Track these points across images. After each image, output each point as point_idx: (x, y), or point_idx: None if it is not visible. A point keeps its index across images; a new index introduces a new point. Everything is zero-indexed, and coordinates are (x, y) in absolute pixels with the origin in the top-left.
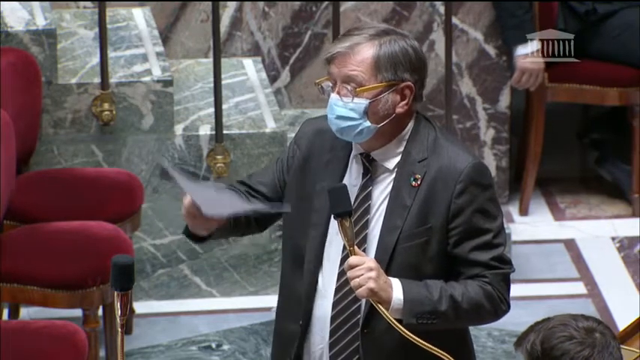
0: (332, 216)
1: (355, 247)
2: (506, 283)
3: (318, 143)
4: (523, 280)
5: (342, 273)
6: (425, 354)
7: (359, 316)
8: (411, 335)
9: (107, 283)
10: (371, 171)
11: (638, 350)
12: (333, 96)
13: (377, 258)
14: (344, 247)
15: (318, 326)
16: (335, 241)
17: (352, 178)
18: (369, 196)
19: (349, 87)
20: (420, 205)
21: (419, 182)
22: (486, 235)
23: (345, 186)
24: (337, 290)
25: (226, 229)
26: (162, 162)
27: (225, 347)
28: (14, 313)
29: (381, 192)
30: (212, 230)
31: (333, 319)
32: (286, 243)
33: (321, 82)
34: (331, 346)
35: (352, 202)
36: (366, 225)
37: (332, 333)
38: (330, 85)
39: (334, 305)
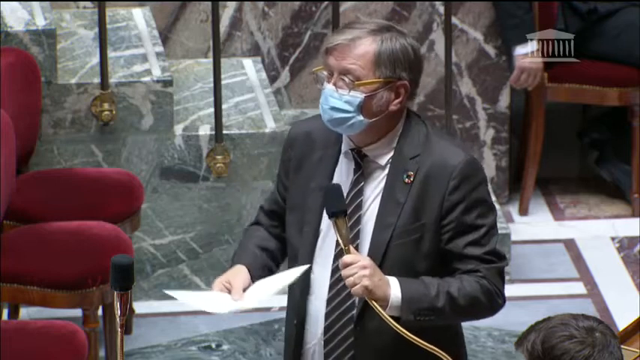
0: (325, 213)
1: (350, 246)
2: (501, 277)
3: (310, 143)
4: (523, 280)
5: (335, 269)
6: (418, 350)
7: (353, 312)
8: (405, 331)
9: (107, 283)
10: (363, 167)
11: (638, 350)
12: (329, 86)
13: (370, 255)
14: (337, 243)
15: (311, 323)
16: (328, 238)
17: (343, 175)
18: (360, 192)
19: (346, 79)
20: (413, 202)
21: (412, 179)
22: (480, 230)
23: (339, 186)
24: (331, 287)
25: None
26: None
27: (225, 347)
28: (14, 313)
29: (374, 189)
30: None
31: (327, 315)
32: (288, 244)
33: (317, 70)
34: (326, 342)
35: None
36: (358, 221)
37: (326, 330)
38: (326, 74)
39: (328, 302)
